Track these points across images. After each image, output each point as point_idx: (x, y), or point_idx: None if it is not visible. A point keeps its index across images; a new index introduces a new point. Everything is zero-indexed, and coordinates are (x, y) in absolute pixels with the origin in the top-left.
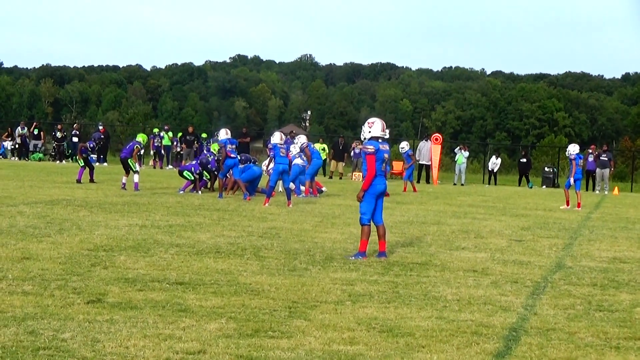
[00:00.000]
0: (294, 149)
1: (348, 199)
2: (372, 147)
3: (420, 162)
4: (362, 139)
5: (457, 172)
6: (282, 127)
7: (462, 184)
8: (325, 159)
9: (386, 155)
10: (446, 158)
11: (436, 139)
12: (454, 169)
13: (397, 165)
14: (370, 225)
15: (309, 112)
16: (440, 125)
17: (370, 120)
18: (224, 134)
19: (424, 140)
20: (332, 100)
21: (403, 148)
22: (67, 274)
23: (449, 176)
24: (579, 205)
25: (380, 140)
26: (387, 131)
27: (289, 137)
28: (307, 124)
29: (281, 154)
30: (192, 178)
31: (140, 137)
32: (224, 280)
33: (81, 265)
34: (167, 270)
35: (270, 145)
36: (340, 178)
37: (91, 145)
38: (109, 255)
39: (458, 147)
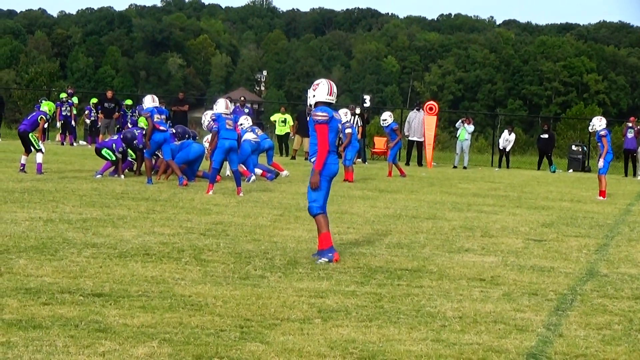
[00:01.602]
0: (246, 121)
1: None
2: (324, 114)
3: (410, 139)
4: (309, 106)
5: (458, 152)
6: (229, 91)
7: (464, 167)
8: (288, 134)
9: (340, 126)
10: (444, 133)
11: (430, 109)
12: (455, 147)
13: (379, 143)
14: (325, 213)
15: (264, 73)
16: (437, 91)
17: (316, 82)
18: (149, 101)
19: (414, 110)
20: (294, 57)
21: (385, 120)
22: None
23: (447, 157)
24: (602, 193)
25: (327, 107)
26: (335, 95)
27: (237, 105)
28: (263, 88)
29: (227, 127)
30: (113, 158)
31: (46, 106)
32: (155, 291)
33: None
34: (80, 278)
35: (212, 116)
36: (307, 159)
37: None
38: (3, 258)
39: (460, 120)
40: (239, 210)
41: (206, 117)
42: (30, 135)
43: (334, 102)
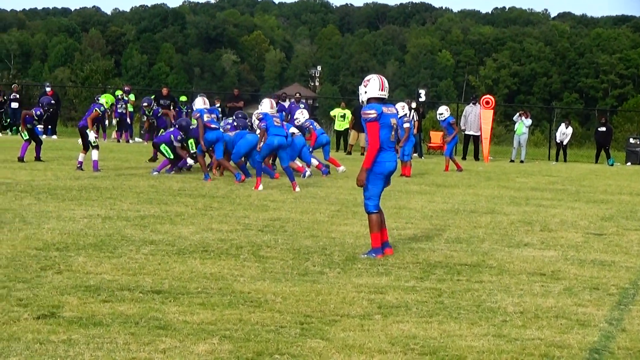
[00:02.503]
0: (301, 115)
1: None
2: (372, 111)
3: (466, 133)
4: (361, 103)
5: (515, 146)
6: (283, 87)
7: (521, 161)
8: (347, 129)
9: (394, 121)
10: (500, 127)
11: (487, 103)
12: (512, 141)
13: (435, 137)
14: (380, 213)
15: (319, 68)
16: (492, 85)
17: (367, 78)
18: (200, 103)
19: (470, 104)
20: (348, 52)
21: (442, 115)
22: (10, 280)
23: (504, 151)
24: None
25: (379, 103)
26: (387, 90)
27: (293, 101)
28: (317, 84)
29: (275, 124)
30: (171, 156)
31: (104, 98)
32: (215, 287)
33: (27, 269)
34: (139, 275)
35: (258, 115)
36: (362, 154)
37: (38, 112)
38: (63, 255)
39: (517, 114)
40: (297, 206)
41: (254, 118)
42: (87, 130)
43: (386, 97)
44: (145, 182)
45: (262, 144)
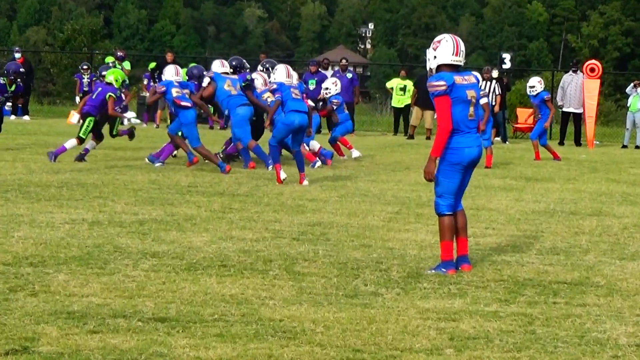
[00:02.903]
0: (334, 86)
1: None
2: (441, 82)
3: (564, 110)
4: (428, 72)
5: (628, 126)
6: (325, 51)
7: (637, 146)
8: (408, 105)
9: (472, 94)
10: (608, 102)
11: (592, 70)
12: (624, 120)
13: (523, 115)
14: (457, 215)
15: (370, 27)
16: (598, 47)
17: (437, 38)
18: (171, 72)
19: (570, 73)
20: (409, 4)
21: (534, 88)
22: None
23: (615, 133)
24: None
25: (452, 71)
26: (463, 55)
27: (338, 69)
28: (368, 46)
29: (294, 96)
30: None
31: (112, 75)
32: (236, 314)
33: None
34: (138, 297)
35: (272, 85)
36: (428, 138)
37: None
38: (38, 272)
39: (632, 84)
40: (342, 207)
41: (258, 86)
42: (89, 120)
43: (461, 63)
44: (144, 177)
45: (272, 120)
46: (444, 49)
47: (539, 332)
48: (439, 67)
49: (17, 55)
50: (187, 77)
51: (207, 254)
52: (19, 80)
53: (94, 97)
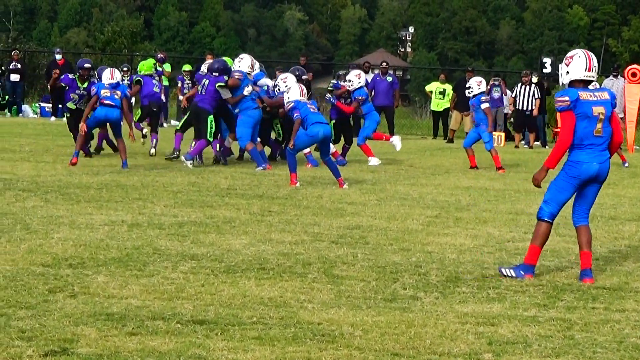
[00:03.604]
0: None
1: (482, 179)
2: (565, 98)
3: None
4: (561, 86)
5: None
6: (365, 54)
7: None
8: (447, 109)
9: (599, 110)
10: None
11: (633, 75)
12: None
13: None
14: (551, 223)
15: (411, 30)
16: (638, 51)
17: (569, 54)
18: (248, 63)
19: (610, 77)
20: (450, 8)
21: (470, 89)
22: (9, 306)
23: None
24: None
25: (584, 86)
26: (596, 70)
27: (378, 72)
28: (409, 49)
29: (312, 110)
30: (210, 138)
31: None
32: (275, 317)
33: (32, 291)
34: (177, 299)
35: (289, 104)
36: None
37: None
38: (78, 274)
39: None
40: (381, 211)
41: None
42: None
43: (594, 79)
44: (183, 179)
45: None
46: (577, 65)
47: (578, 338)
48: (571, 83)
49: (58, 56)
50: (206, 71)
51: (246, 256)
52: (91, 77)
53: (202, 92)
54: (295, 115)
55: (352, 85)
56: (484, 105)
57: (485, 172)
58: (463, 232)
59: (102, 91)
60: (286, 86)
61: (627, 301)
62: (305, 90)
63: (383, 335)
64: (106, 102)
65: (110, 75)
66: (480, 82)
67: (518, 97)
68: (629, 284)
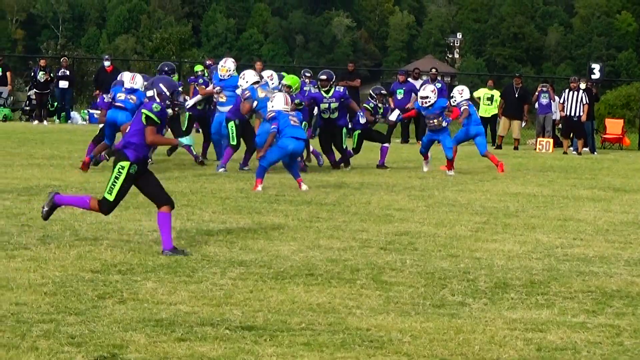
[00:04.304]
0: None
1: (530, 185)
2: None
3: None
4: None
5: None
6: (413, 60)
7: None
8: (495, 115)
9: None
10: None
11: None
12: None
13: (613, 126)
14: None
15: (458, 36)
16: None
17: None
18: (251, 75)
19: None
20: (498, 14)
21: (427, 99)
22: (59, 312)
23: None
24: None
25: None
26: None
27: (427, 78)
28: (457, 56)
29: (292, 123)
30: (234, 140)
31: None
32: (323, 323)
33: (81, 297)
34: (225, 305)
35: (271, 113)
36: (516, 148)
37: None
38: (126, 280)
39: None
40: (430, 217)
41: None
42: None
43: None
44: (232, 185)
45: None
46: None
47: (627, 344)
48: None
49: (107, 63)
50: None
51: (295, 262)
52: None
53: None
54: (272, 127)
55: (429, 102)
56: (463, 108)
57: (533, 178)
58: (511, 239)
59: (118, 94)
60: (246, 82)
61: None
62: (289, 100)
63: (431, 342)
64: (117, 104)
65: (130, 79)
66: (462, 90)
67: (566, 103)
68: None
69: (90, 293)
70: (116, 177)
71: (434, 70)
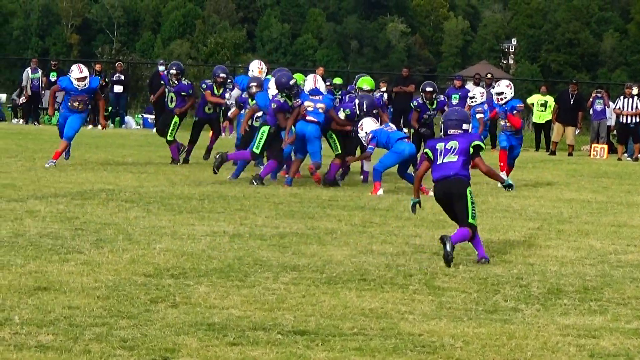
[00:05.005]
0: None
1: (584, 191)
2: None
3: None
4: None
5: None
6: (468, 65)
7: None
8: (549, 122)
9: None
10: None
11: None
12: None
13: None
14: None
15: (513, 42)
16: None
17: None
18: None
19: None
20: (553, 20)
21: (474, 99)
22: (111, 315)
23: None
24: None
25: None
26: None
27: (483, 83)
28: (511, 61)
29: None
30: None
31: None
32: (376, 327)
33: (134, 301)
34: (278, 310)
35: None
36: (570, 154)
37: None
38: (179, 284)
39: None
40: (483, 222)
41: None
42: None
43: None
44: (285, 190)
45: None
46: None
47: None
48: None
49: (161, 67)
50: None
51: (347, 267)
52: (226, 84)
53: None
54: (370, 147)
55: (475, 101)
56: (479, 116)
57: (587, 184)
58: (565, 245)
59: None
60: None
61: None
62: (375, 119)
63: (484, 347)
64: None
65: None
66: (483, 93)
67: (622, 109)
68: None
69: (142, 297)
70: None
71: (489, 75)
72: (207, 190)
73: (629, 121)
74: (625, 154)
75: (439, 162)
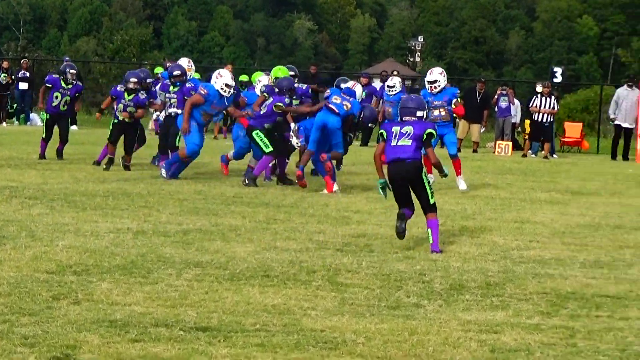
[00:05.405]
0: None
1: (487, 187)
2: None
3: (617, 124)
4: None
5: None
6: (374, 63)
7: None
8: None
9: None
10: None
11: None
12: None
13: (572, 130)
14: None
15: (420, 39)
16: None
17: None
18: (265, 81)
19: (625, 87)
20: (459, 18)
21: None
22: (12, 312)
23: None
24: None
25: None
26: None
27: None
28: (418, 59)
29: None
30: (269, 148)
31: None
32: (278, 324)
33: (36, 298)
34: (180, 307)
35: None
36: (475, 151)
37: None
38: (82, 281)
39: None
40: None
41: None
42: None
43: None
44: (189, 187)
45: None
46: None
47: (581, 346)
48: None
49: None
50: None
51: (251, 264)
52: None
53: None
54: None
55: (438, 85)
56: (442, 113)
57: (491, 180)
58: (468, 241)
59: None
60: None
61: (631, 309)
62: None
63: (386, 343)
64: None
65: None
66: (401, 82)
67: (538, 107)
68: (633, 292)
69: (44, 294)
70: None
71: (395, 72)
72: (111, 187)
73: (543, 120)
74: (530, 151)
75: (393, 143)
